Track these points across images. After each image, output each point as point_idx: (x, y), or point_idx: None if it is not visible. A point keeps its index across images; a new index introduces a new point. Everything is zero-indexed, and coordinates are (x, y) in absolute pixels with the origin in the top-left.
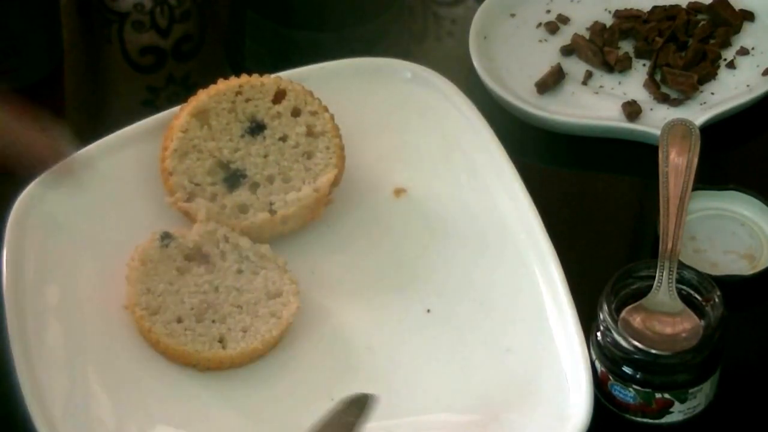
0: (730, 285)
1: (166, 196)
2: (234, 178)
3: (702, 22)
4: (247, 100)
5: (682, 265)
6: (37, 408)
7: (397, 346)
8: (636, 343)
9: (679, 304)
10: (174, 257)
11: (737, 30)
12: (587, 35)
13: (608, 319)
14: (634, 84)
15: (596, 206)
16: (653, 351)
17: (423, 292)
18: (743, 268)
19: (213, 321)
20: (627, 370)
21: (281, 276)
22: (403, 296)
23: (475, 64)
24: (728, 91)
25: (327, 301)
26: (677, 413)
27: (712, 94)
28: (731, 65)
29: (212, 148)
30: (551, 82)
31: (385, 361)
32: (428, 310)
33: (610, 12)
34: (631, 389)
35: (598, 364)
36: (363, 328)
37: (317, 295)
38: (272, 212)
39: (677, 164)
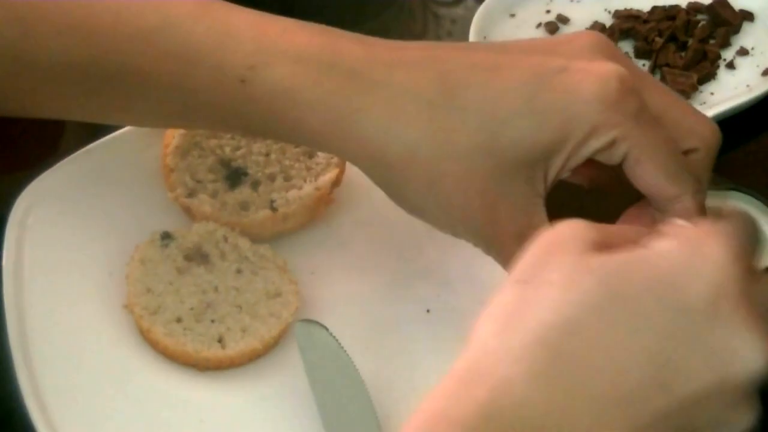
0: None
1: (168, 192)
2: (235, 176)
3: (702, 22)
4: None
5: None
6: (37, 408)
7: (397, 346)
8: None
9: None
10: (174, 257)
11: (737, 30)
12: None
13: None
14: None
15: (596, 206)
16: None
17: (423, 292)
18: None
19: (212, 321)
20: None
21: (281, 276)
22: (403, 296)
23: None
24: (728, 91)
25: (327, 301)
26: None
27: (712, 94)
28: (731, 65)
29: (214, 146)
30: None
31: (385, 362)
32: (428, 310)
33: (609, 12)
34: None
35: None
36: (363, 328)
37: (317, 295)
38: (273, 209)
39: None
